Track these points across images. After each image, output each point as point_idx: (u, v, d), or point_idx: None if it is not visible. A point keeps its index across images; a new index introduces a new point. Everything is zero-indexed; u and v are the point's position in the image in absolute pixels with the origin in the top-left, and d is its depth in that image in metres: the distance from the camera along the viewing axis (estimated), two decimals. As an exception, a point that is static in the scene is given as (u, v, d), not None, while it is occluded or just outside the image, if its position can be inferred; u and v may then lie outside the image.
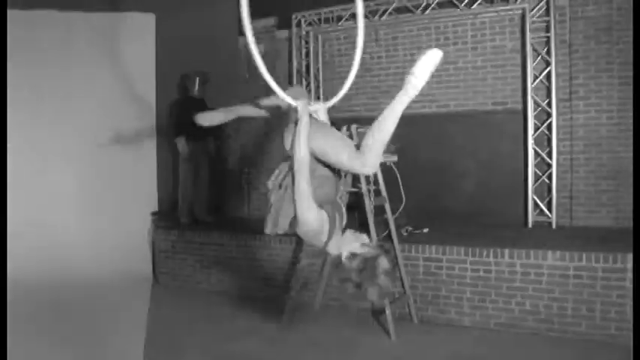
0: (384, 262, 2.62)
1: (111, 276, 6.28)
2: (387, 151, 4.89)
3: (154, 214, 6.90)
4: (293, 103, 2.82)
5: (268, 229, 2.86)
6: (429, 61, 2.62)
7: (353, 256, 2.66)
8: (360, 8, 2.77)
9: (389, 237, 5.01)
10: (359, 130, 4.81)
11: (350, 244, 2.70)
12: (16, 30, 6.57)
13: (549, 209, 5.80)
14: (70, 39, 6.86)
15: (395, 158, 5.09)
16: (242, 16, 2.52)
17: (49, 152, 6.66)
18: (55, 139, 6.71)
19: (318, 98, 6.86)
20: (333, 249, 2.73)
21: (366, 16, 6.55)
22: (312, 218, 2.62)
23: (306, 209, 2.61)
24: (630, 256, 4.23)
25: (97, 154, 6.78)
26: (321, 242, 2.71)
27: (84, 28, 6.92)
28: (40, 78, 6.69)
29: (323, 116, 3.22)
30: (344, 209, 2.93)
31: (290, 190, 2.73)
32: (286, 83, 6.81)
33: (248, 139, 7.37)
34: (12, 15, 6.46)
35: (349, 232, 2.78)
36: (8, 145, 6.16)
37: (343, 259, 2.68)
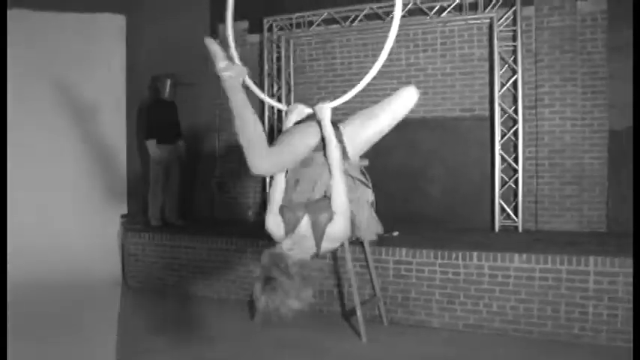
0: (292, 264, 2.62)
1: (80, 278, 6.22)
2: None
3: (123, 216, 6.84)
4: (311, 110, 2.93)
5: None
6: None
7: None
8: (398, 11, 2.98)
9: (359, 240, 5.07)
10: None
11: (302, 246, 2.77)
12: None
13: (515, 213, 5.95)
14: (41, 38, 6.79)
15: (366, 162, 5.15)
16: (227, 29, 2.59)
17: (20, 152, 6.55)
18: (23, 140, 6.61)
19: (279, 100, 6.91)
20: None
21: (337, 22, 6.66)
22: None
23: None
24: (592, 259, 4.38)
25: (66, 155, 6.71)
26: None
27: (55, 28, 6.86)
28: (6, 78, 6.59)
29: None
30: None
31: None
32: (258, 87, 6.82)
33: (218, 142, 7.38)
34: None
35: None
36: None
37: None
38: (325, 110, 2.99)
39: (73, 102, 6.80)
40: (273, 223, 2.75)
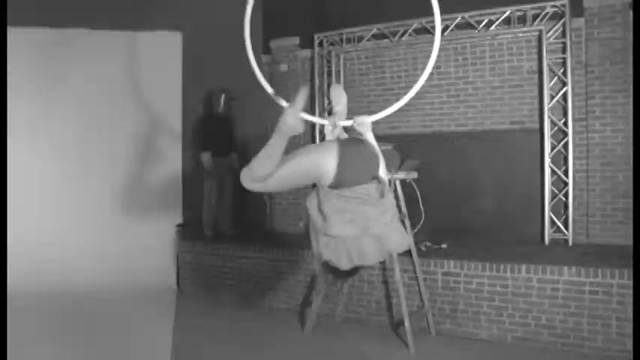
0: None
1: (138, 284, 6.50)
2: (408, 167, 5.08)
3: (178, 226, 7.08)
4: (323, 122, 3.03)
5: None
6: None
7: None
8: (438, 25, 2.93)
9: (408, 252, 5.14)
10: (381, 147, 4.96)
11: None
12: (50, 46, 6.89)
13: (566, 227, 5.89)
14: (100, 56, 7.13)
15: (415, 175, 5.24)
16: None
17: (81, 165, 6.91)
18: (85, 153, 6.96)
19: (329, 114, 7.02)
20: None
21: (386, 37, 6.77)
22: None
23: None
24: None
25: (125, 167, 7.01)
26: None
27: (114, 46, 7.19)
28: (68, 93, 6.97)
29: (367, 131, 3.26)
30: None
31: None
32: (309, 102, 6.99)
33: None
34: (43, 32, 6.80)
35: None
36: (37, 156, 6.47)
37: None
38: (366, 123, 3.02)
39: (131, 117, 7.11)
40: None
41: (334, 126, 3.14)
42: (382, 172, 2.97)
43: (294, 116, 2.63)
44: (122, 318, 5.66)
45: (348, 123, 3.28)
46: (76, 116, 6.98)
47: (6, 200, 5.79)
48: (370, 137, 3.08)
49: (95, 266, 6.62)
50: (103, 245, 6.77)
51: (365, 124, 3.17)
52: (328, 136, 3.30)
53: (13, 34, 6.67)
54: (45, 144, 6.91)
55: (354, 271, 2.98)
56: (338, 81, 7.19)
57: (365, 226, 2.79)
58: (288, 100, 2.85)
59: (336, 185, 2.79)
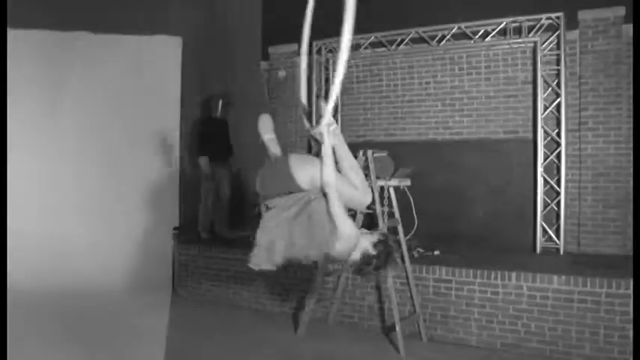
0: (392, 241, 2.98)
1: (133, 287, 6.56)
2: (402, 175, 5.15)
3: (175, 228, 7.14)
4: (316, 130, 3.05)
5: (261, 264, 3.12)
6: None
7: (375, 244, 2.96)
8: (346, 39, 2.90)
9: (401, 258, 5.21)
10: (375, 155, 5.05)
11: (365, 241, 2.97)
12: (51, 49, 6.96)
13: (557, 235, 5.98)
14: (101, 59, 7.21)
15: (408, 182, 5.31)
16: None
17: (80, 167, 6.96)
18: (84, 155, 7.02)
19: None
20: (356, 254, 2.97)
21: (383, 45, 6.86)
22: (352, 230, 2.90)
23: (347, 225, 2.87)
24: (633, 283, 4.38)
25: (123, 171, 7.07)
26: (351, 252, 2.96)
27: (115, 50, 7.27)
28: (69, 95, 7.04)
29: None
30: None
31: (312, 216, 2.94)
32: (307, 108, 7.06)
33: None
34: (45, 35, 6.87)
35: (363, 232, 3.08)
36: (37, 157, 6.55)
37: (367, 248, 2.96)
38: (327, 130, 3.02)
39: (130, 120, 7.17)
40: (355, 229, 2.96)
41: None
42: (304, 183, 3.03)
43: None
44: (118, 318, 5.71)
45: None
46: (75, 118, 7.03)
47: (6, 200, 5.85)
48: (327, 147, 3.00)
49: (92, 267, 6.65)
50: (100, 246, 6.81)
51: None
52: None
53: (16, 36, 6.76)
54: (45, 145, 6.96)
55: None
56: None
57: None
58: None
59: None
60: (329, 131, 2.99)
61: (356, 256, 2.95)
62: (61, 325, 5.41)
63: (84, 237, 6.78)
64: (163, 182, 7.31)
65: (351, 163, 3.08)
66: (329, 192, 2.90)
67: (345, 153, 3.07)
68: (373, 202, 4.95)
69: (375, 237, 2.97)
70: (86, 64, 7.13)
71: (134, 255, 6.89)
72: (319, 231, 2.90)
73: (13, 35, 6.70)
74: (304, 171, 3.02)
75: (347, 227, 2.88)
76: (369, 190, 3.13)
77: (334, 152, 3.01)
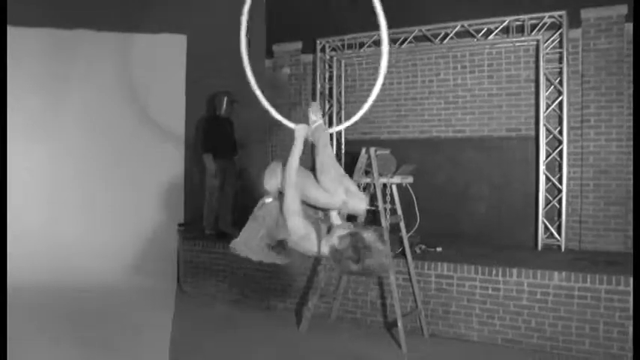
0: (369, 235, 2.81)
1: (138, 283, 6.64)
2: (404, 172, 5.20)
3: (180, 225, 7.22)
4: (291, 125, 3.13)
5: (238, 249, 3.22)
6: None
7: (342, 238, 2.83)
8: (384, 35, 3.07)
9: (403, 254, 5.27)
10: (378, 152, 5.11)
11: (337, 232, 2.90)
12: (56, 47, 7.05)
13: (559, 232, 6.01)
14: (105, 57, 7.29)
15: (410, 180, 5.36)
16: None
17: (85, 164, 7.06)
18: (89, 153, 7.11)
19: (330, 120, 7.18)
20: (324, 248, 2.92)
21: (387, 44, 6.88)
22: (298, 228, 2.90)
23: (294, 222, 2.90)
24: (632, 279, 4.42)
25: (128, 168, 7.16)
26: (313, 249, 2.94)
27: (119, 48, 7.35)
28: (73, 93, 7.13)
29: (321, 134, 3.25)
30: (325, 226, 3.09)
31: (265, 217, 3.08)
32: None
33: (271, 157, 7.71)
34: (49, 33, 6.96)
35: (336, 226, 3.01)
36: (42, 156, 6.65)
37: (334, 242, 2.84)
38: (300, 130, 3.12)
39: (135, 117, 7.25)
40: (302, 225, 2.95)
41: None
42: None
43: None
44: (123, 314, 5.79)
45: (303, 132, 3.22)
46: (80, 116, 7.13)
47: (6, 200, 5.92)
48: (322, 146, 3.12)
49: (98, 263, 6.76)
50: (106, 243, 6.91)
51: (315, 136, 3.20)
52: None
53: (22, 34, 6.85)
54: (49, 144, 7.06)
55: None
56: (339, 85, 7.34)
57: None
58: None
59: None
60: (310, 128, 3.13)
61: (324, 250, 2.92)
62: (68, 321, 5.50)
63: (90, 234, 6.89)
64: (168, 179, 7.39)
65: (322, 162, 3.07)
66: (284, 189, 2.97)
67: (320, 152, 3.10)
68: (375, 198, 5.03)
69: (343, 231, 2.88)
70: (91, 62, 7.22)
71: (140, 251, 6.98)
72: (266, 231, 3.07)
73: (18, 33, 6.81)
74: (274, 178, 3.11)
75: (293, 224, 2.91)
76: (338, 192, 3.06)
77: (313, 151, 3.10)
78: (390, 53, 6.79)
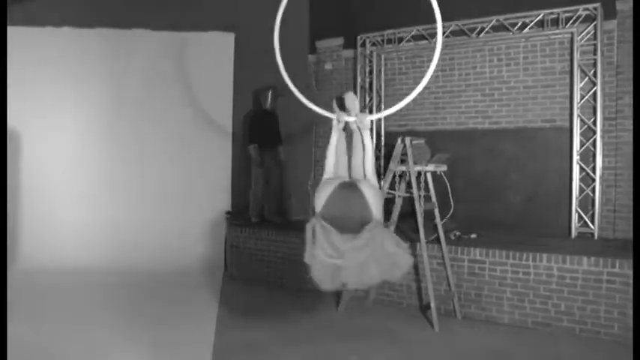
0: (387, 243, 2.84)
1: (189, 267, 7.14)
2: (438, 161, 5.43)
3: (227, 213, 7.61)
4: (330, 115, 3.37)
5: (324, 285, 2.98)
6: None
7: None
8: (439, 31, 3.26)
9: (437, 239, 5.50)
10: (413, 142, 5.36)
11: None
12: (114, 45, 7.54)
13: (592, 221, 6.12)
14: (157, 55, 7.73)
15: (445, 168, 5.57)
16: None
17: (141, 158, 7.58)
18: (144, 146, 7.59)
19: (370, 112, 7.43)
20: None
21: (424, 38, 7.12)
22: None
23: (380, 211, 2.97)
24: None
25: (181, 159, 7.61)
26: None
27: (171, 46, 7.78)
28: (128, 90, 7.61)
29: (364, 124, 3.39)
30: None
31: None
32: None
33: (314, 148, 8.03)
34: (110, 33, 7.44)
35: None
36: (100, 149, 7.17)
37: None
38: (365, 122, 3.29)
39: (186, 113, 7.67)
40: None
41: (339, 120, 3.44)
42: (376, 212, 2.98)
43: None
44: (176, 294, 6.27)
45: (351, 119, 3.45)
46: (134, 112, 7.60)
47: (6, 200, 6.31)
48: (367, 135, 3.32)
49: (153, 248, 7.24)
50: (160, 229, 7.40)
51: (364, 123, 3.36)
52: (334, 129, 3.48)
53: (80, 34, 7.39)
54: (110, 138, 7.56)
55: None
56: (379, 79, 7.59)
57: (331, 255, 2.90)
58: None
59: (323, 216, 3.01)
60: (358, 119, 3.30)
61: None
62: (126, 299, 6.00)
63: (146, 221, 7.39)
64: (217, 170, 7.78)
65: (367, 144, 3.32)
66: (371, 179, 3.15)
67: (365, 135, 3.33)
68: (410, 186, 5.29)
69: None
70: (145, 60, 7.67)
71: (191, 238, 7.42)
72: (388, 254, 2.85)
73: (77, 33, 7.34)
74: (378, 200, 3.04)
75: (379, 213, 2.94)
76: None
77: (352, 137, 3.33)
78: (428, 48, 7.12)
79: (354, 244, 2.82)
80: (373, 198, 2.97)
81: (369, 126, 3.48)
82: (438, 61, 3.31)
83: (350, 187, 3.06)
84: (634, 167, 5.21)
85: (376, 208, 2.95)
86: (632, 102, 5.99)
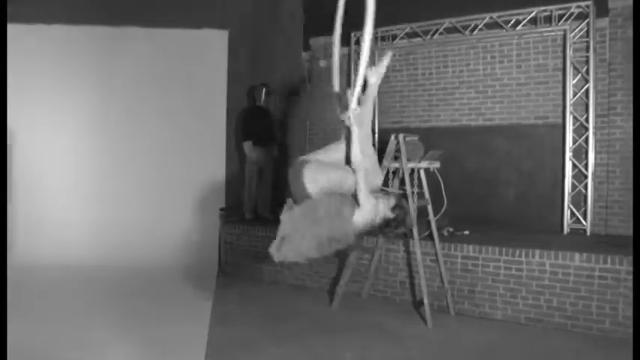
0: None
1: (183, 263, 7.12)
2: (431, 157, 5.45)
3: (221, 209, 7.61)
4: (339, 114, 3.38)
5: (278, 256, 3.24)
6: None
7: (393, 209, 3.26)
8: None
9: (430, 236, 5.52)
10: (407, 139, 5.37)
11: (383, 207, 3.25)
12: (103, 43, 7.51)
13: (584, 217, 6.17)
14: (150, 52, 7.70)
15: (438, 164, 5.59)
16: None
17: (135, 154, 7.55)
18: (138, 143, 7.57)
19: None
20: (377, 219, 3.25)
21: (418, 36, 7.13)
22: (370, 205, 3.19)
23: (368, 201, 3.18)
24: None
25: (174, 156, 7.59)
26: (376, 220, 3.25)
27: (164, 43, 7.75)
28: (121, 87, 7.59)
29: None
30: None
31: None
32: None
33: (307, 145, 8.03)
34: (99, 30, 7.42)
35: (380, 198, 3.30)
36: (94, 147, 7.17)
37: (387, 214, 3.24)
38: (351, 117, 3.30)
39: (179, 110, 7.65)
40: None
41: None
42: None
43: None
44: (169, 291, 6.24)
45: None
46: (126, 110, 7.58)
47: (6, 199, 6.33)
48: (354, 134, 3.30)
49: (147, 244, 7.22)
50: (154, 225, 7.38)
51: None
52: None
53: (70, 31, 7.37)
54: (99, 136, 7.54)
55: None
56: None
57: None
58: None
59: None
60: (354, 116, 3.30)
61: (376, 222, 3.27)
62: (120, 295, 6.00)
63: (140, 217, 7.37)
64: (211, 166, 7.77)
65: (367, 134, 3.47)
66: (357, 171, 3.20)
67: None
68: (404, 182, 5.30)
69: (392, 201, 3.27)
70: (136, 58, 7.65)
71: (185, 234, 7.41)
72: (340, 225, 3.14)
73: (67, 31, 7.32)
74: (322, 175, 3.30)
75: (367, 203, 3.18)
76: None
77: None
78: (422, 45, 7.14)
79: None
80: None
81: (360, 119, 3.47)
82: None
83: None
84: (634, 166, 5.24)
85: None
86: (623, 99, 6.06)
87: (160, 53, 7.72)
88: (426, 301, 5.08)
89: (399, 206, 3.28)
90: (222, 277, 6.99)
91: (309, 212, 3.16)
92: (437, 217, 5.66)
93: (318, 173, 3.28)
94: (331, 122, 7.74)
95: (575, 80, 6.23)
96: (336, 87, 3.76)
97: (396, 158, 5.43)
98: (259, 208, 7.50)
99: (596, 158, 6.17)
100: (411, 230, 5.04)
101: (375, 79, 3.61)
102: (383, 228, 3.32)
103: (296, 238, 3.16)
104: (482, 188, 6.84)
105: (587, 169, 6.17)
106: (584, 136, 6.19)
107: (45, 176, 7.34)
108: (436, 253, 5.47)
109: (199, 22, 7.74)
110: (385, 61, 3.63)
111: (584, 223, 6.16)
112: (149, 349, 4.39)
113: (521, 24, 6.48)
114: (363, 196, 3.17)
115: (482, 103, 6.90)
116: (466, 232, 6.05)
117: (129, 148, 7.56)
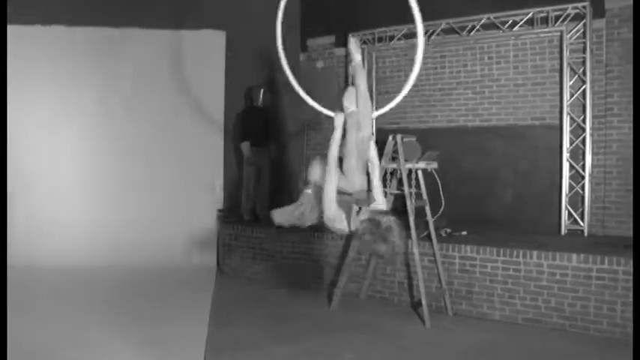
0: (385, 220, 3.10)
1: (181, 264, 7.13)
2: (429, 158, 5.46)
3: (219, 210, 7.61)
4: (331, 114, 3.39)
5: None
6: None
7: (362, 222, 3.15)
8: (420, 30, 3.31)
9: (428, 237, 5.54)
10: (404, 139, 5.38)
11: (364, 215, 3.19)
12: (103, 44, 7.50)
13: (582, 218, 6.18)
14: (149, 53, 7.70)
15: (435, 165, 5.60)
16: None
17: (132, 155, 7.55)
18: (135, 144, 7.56)
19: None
20: (353, 228, 3.22)
21: (416, 36, 7.12)
22: (333, 211, 3.16)
23: (330, 206, 3.17)
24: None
25: (172, 157, 7.59)
26: (344, 229, 3.23)
27: (162, 44, 7.75)
28: (119, 88, 7.58)
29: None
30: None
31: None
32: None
33: (306, 146, 8.05)
34: (98, 32, 7.41)
35: (362, 211, 3.26)
36: (90, 148, 7.18)
37: (360, 224, 3.16)
38: (339, 119, 3.37)
39: (178, 109, 7.65)
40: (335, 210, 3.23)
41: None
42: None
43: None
44: (168, 291, 6.25)
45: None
46: (125, 111, 7.57)
47: (5, 199, 6.31)
48: (351, 134, 3.39)
49: (146, 245, 7.22)
50: (153, 226, 7.38)
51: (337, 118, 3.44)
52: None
53: (72, 33, 7.35)
54: (98, 136, 7.53)
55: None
56: (371, 77, 7.59)
57: None
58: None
59: None
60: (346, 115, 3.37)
61: (353, 229, 3.23)
62: (120, 295, 6.03)
63: (139, 219, 7.37)
64: (209, 168, 7.78)
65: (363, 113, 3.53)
66: (324, 178, 3.26)
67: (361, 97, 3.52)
68: (401, 183, 5.31)
69: (364, 216, 3.18)
70: (137, 58, 7.65)
71: (183, 235, 7.41)
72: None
73: (66, 32, 7.30)
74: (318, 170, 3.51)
75: (329, 211, 3.17)
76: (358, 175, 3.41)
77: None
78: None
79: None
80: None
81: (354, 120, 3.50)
82: (422, 61, 3.39)
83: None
84: (634, 166, 5.26)
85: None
86: (620, 100, 6.08)
87: (159, 54, 7.72)
88: (424, 301, 5.10)
89: (371, 221, 3.14)
90: (220, 277, 6.99)
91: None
92: (435, 217, 5.68)
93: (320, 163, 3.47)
94: (329, 124, 7.76)
95: (572, 81, 6.25)
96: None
97: (394, 159, 5.44)
98: (257, 208, 7.50)
99: (593, 159, 6.19)
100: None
101: (357, 76, 3.57)
102: (359, 240, 3.39)
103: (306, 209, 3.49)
104: (480, 189, 6.86)
105: (584, 170, 6.19)
106: (581, 137, 6.21)
107: (45, 176, 7.33)
108: (434, 254, 5.48)
109: (197, 22, 7.74)
110: (352, 48, 3.63)
111: (581, 224, 6.18)
112: (148, 349, 4.40)
113: (518, 25, 6.49)
114: (328, 202, 3.19)
115: (480, 104, 6.91)
116: (464, 233, 6.07)
117: (127, 149, 7.55)
